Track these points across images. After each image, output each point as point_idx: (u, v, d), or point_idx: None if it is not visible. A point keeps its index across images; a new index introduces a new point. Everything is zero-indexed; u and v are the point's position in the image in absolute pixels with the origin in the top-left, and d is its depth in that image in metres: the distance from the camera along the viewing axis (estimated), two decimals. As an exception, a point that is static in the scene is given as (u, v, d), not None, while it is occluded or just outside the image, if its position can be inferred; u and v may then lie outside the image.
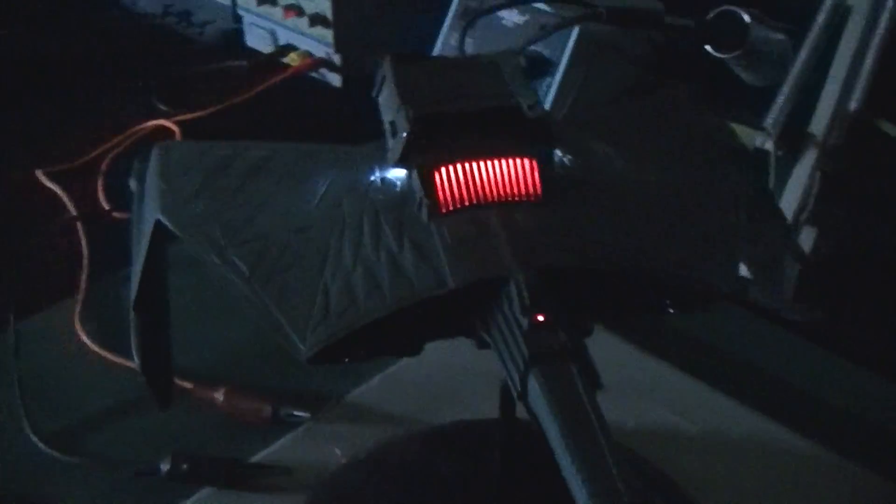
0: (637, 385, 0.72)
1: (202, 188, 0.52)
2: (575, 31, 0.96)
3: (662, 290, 0.47)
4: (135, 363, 0.52)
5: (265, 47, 1.15)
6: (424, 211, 0.46)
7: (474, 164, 0.47)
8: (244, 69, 1.11)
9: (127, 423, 0.71)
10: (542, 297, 0.42)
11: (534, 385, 0.39)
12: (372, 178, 0.50)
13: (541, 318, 0.41)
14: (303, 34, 1.10)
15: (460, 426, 0.66)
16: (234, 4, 1.18)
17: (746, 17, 0.90)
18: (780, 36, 0.90)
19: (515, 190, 0.47)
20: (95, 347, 0.75)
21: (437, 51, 1.04)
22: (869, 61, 0.73)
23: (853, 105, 0.73)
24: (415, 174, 0.47)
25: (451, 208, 0.46)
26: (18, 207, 0.93)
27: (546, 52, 0.97)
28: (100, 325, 0.77)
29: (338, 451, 0.66)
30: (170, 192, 0.51)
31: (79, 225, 0.86)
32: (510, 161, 0.47)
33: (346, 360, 0.45)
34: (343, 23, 1.07)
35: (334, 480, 0.64)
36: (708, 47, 0.91)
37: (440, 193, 0.46)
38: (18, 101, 1.11)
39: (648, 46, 1.03)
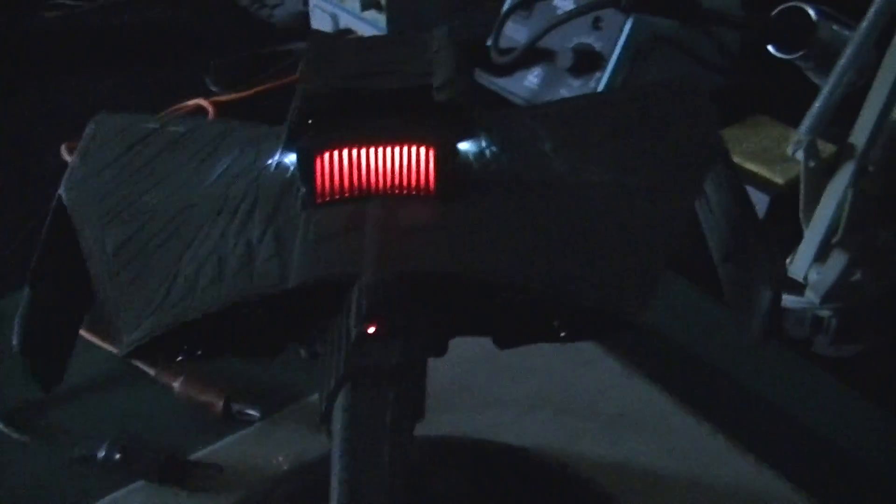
0: (631, 416, 0.65)
1: (112, 163, 0.49)
2: (628, 24, 0.89)
3: (552, 311, 0.40)
4: (13, 342, 0.49)
5: (327, 30, 1.12)
6: (299, 200, 0.41)
7: (362, 150, 0.41)
8: (298, 52, 1.07)
9: (83, 402, 0.68)
10: (385, 302, 0.36)
11: (337, 405, 0.34)
12: (269, 160, 0.45)
13: (372, 329, 0.35)
14: (360, 18, 1.06)
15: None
16: (302, -15, 1.15)
17: (813, 14, 0.81)
18: (851, 34, 0.81)
19: (405, 181, 0.41)
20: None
21: (492, 39, 0.98)
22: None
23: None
24: (296, 158, 0.42)
25: (328, 199, 0.41)
26: (42, 181, 0.92)
27: (597, 46, 0.91)
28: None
29: (280, 458, 0.62)
30: (80, 166, 0.48)
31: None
32: (404, 148, 0.41)
33: (180, 357, 0.40)
34: (396, 7, 1.02)
35: (266, 487, 0.59)
36: (771, 47, 0.83)
37: (318, 181, 0.41)
38: (86, 71, 1.12)
39: (720, 47, 0.95)
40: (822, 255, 0.67)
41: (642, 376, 0.68)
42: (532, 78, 0.94)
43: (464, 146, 0.43)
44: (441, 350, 0.39)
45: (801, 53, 0.81)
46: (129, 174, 0.48)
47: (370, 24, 1.05)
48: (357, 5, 1.04)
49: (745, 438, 0.63)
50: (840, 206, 0.65)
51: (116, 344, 0.39)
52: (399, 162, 0.41)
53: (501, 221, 0.41)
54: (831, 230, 0.66)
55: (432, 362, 0.38)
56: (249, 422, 0.65)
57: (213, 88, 1.04)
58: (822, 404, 0.67)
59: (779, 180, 0.84)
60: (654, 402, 0.66)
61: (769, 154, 0.89)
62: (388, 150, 0.41)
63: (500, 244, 0.40)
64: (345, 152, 0.41)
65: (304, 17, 1.17)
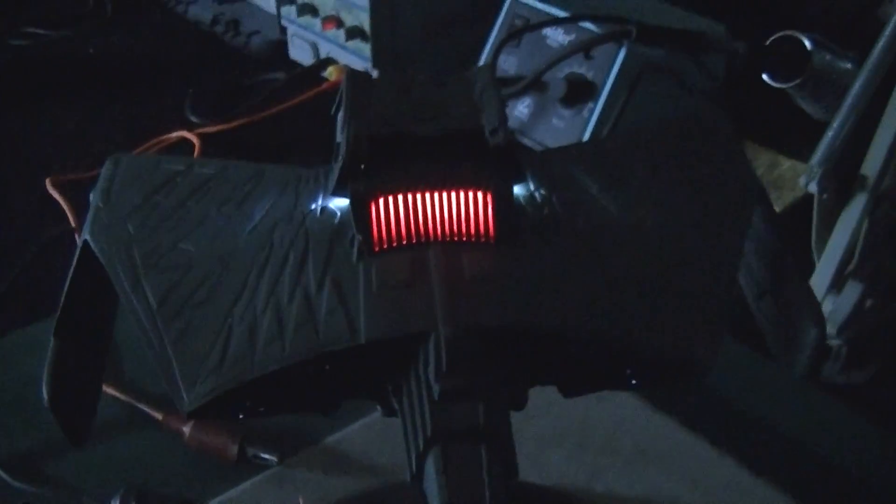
0: (647, 451, 0.65)
1: (139, 207, 0.47)
2: (621, 54, 0.89)
3: (625, 360, 0.40)
4: (44, 393, 0.47)
5: (307, 60, 1.11)
6: (355, 247, 0.40)
7: (418, 196, 0.40)
8: (280, 82, 1.06)
9: (91, 450, 0.66)
10: (464, 359, 0.35)
11: (430, 467, 0.33)
12: (313, 205, 0.44)
13: (455, 385, 0.34)
14: (342, 47, 1.05)
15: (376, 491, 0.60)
16: (279, 15, 1.14)
17: (808, 43, 0.82)
18: (846, 64, 0.82)
19: (464, 228, 0.40)
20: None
21: (479, 69, 0.98)
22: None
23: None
24: (349, 204, 0.41)
25: (385, 246, 0.40)
26: (23, 215, 0.90)
27: (589, 75, 0.91)
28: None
29: (301, 501, 0.60)
30: (104, 210, 0.46)
31: (77, 237, 0.82)
32: (461, 193, 0.40)
33: (241, 415, 0.39)
34: (381, 37, 1.02)
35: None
36: (765, 76, 0.84)
37: (375, 228, 0.40)
38: (62, 101, 1.09)
39: (706, 74, 0.96)
40: (835, 285, 0.67)
41: (659, 411, 0.67)
42: (522, 108, 0.94)
43: (516, 190, 0.43)
44: (522, 402, 0.38)
45: (796, 82, 0.82)
46: (159, 219, 0.46)
47: (354, 54, 1.04)
48: (341, 35, 1.03)
49: (765, 470, 0.63)
50: (854, 237, 0.65)
51: (177, 401, 0.37)
52: (456, 208, 0.40)
53: (563, 268, 0.41)
54: (845, 260, 0.66)
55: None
56: (265, 466, 0.63)
57: (193, 118, 1.02)
58: (836, 432, 0.68)
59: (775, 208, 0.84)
60: (672, 436, 0.66)
61: (762, 181, 0.89)
62: (445, 195, 0.40)
63: (567, 293, 0.39)
64: (400, 198, 0.40)
65: (282, 45, 1.16)
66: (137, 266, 0.43)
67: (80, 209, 0.85)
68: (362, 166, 0.41)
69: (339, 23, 1.03)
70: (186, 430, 0.65)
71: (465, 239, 0.40)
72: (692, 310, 0.40)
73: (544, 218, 0.43)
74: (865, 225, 0.65)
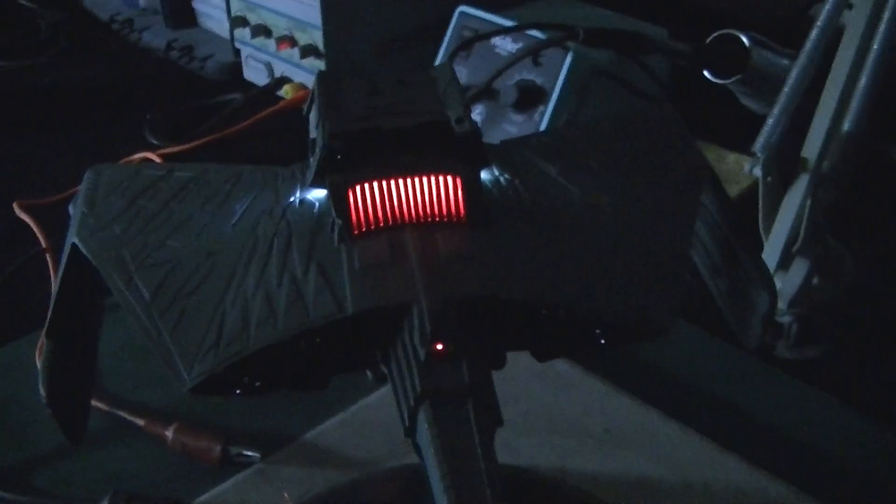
0: (618, 431, 0.68)
1: (124, 211, 0.49)
2: (568, 59, 0.93)
3: (594, 322, 0.43)
4: (41, 394, 0.49)
5: (262, 80, 1.14)
6: (336, 233, 0.43)
7: (392, 182, 0.43)
8: (237, 103, 1.08)
9: (77, 460, 0.67)
10: (446, 325, 0.38)
11: (422, 421, 0.36)
12: (291, 199, 0.47)
13: (440, 347, 0.37)
14: (297, 66, 1.08)
15: (407, 471, 0.62)
16: (232, 38, 1.16)
17: (746, 41, 0.86)
18: (784, 61, 0.86)
19: (437, 210, 0.43)
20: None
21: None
22: (864, 84, 0.68)
23: (847, 129, 0.68)
24: (328, 193, 0.43)
25: (364, 229, 0.43)
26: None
27: (539, 81, 0.94)
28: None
29: (286, 495, 0.62)
30: (90, 216, 0.49)
31: (49, 258, 0.84)
32: (432, 178, 0.43)
33: (238, 392, 0.41)
34: (335, 54, 1.04)
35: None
36: (707, 73, 0.88)
37: (353, 213, 0.43)
38: (21, 131, 1.11)
39: (650, 75, 0.99)
40: (783, 264, 0.70)
41: (623, 393, 0.70)
42: (475, 115, 0.97)
43: (482, 175, 0.46)
44: (500, 363, 0.41)
45: (737, 78, 0.86)
46: (144, 221, 0.48)
47: (309, 71, 1.07)
48: (296, 54, 1.06)
49: (727, 441, 0.66)
50: (799, 217, 0.69)
51: (177, 379, 0.40)
52: (428, 192, 0.43)
53: (531, 243, 0.44)
54: (791, 239, 0.70)
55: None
56: (249, 464, 0.65)
57: (153, 141, 1.04)
58: (790, 403, 0.71)
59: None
60: (637, 415, 0.69)
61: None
62: (417, 181, 0.43)
63: (536, 265, 0.42)
64: (375, 185, 0.43)
65: (236, 67, 1.18)
66: (128, 264, 0.45)
67: (51, 231, 0.87)
68: (339, 158, 0.44)
69: (293, 42, 1.06)
70: (169, 434, 0.67)
71: (438, 220, 0.43)
72: (649, 279, 0.43)
73: (510, 199, 0.46)
74: (808, 205, 0.69)
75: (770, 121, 0.70)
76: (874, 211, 0.89)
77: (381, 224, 0.43)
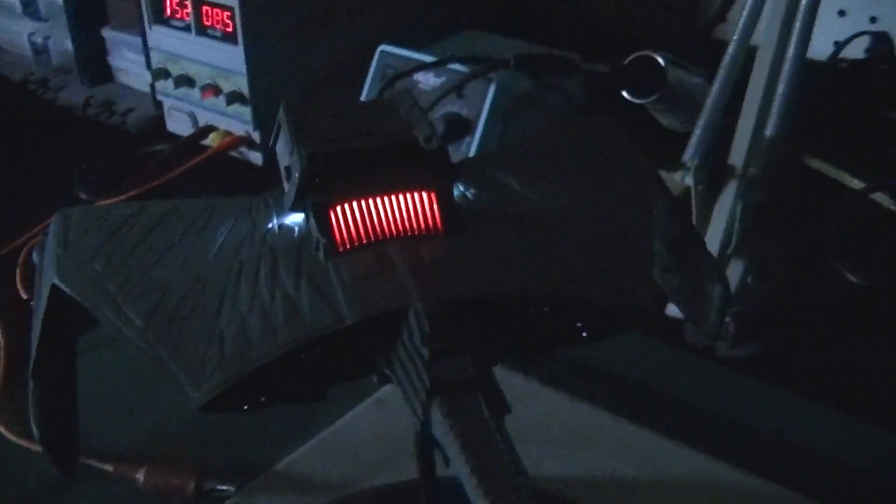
0: (577, 436, 0.71)
1: (101, 248, 0.50)
2: (492, 89, 0.96)
3: (576, 317, 0.45)
4: (34, 431, 0.50)
5: (185, 130, 1.14)
6: (322, 252, 0.45)
7: (370, 201, 0.45)
8: (165, 153, 1.09)
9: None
10: (443, 325, 0.40)
11: (436, 413, 0.38)
12: (270, 225, 0.48)
13: (441, 346, 0.39)
14: (222, 114, 1.09)
15: (382, 491, 0.64)
16: (153, 90, 1.17)
17: (662, 61, 0.90)
18: (696, 79, 0.91)
19: (415, 224, 0.45)
20: (12, 437, 0.72)
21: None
22: (781, 91, 0.73)
23: (770, 134, 0.73)
24: (310, 215, 0.45)
25: (348, 246, 0.45)
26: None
27: (463, 112, 0.97)
28: (15, 413, 0.74)
29: (266, 523, 0.63)
30: (67, 255, 0.49)
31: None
32: (408, 195, 0.46)
33: (245, 407, 0.43)
34: (260, 100, 1.06)
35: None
36: (625, 93, 0.92)
37: (336, 233, 0.45)
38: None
39: (567, 100, 1.03)
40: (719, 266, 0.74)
41: (580, 400, 0.73)
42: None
43: None
44: (495, 361, 0.43)
45: (654, 97, 0.90)
46: (124, 255, 0.49)
47: (235, 118, 1.08)
48: (221, 102, 1.07)
49: (686, 437, 0.69)
50: (730, 220, 0.73)
51: (189, 399, 0.41)
52: (406, 207, 0.46)
53: (508, 246, 0.46)
54: (725, 242, 0.74)
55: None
56: (225, 497, 0.66)
57: (83, 196, 1.04)
58: (733, 395, 0.76)
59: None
60: (598, 420, 0.72)
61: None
62: (394, 198, 0.45)
63: (517, 265, 0.45)
64: (355, 204, 0.45)
65: (158, 119, 1.19)
66: (115, 297, 0.46)
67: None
68: (316, 180, 0.46)
69: (217, 90, 1.08)
70: (140, 476, 0.67)
71: (417, 233, 0.45)
72: (623, 270, 0.46)
73: (479, 210, 0.49)
74: (739, 209, 0.73)
75: (697, 132, 0.74)
76: (794, 212, 0.94)
77: (364, 240, 0.45)
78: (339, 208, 0.45)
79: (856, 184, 0.96)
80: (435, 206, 0.46)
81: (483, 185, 0.51)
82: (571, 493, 0.65)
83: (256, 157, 1.10)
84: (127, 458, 0.68)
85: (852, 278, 0.84)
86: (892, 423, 0.72)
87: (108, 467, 0.69)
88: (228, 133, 1.09)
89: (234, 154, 1.10)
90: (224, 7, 1.03)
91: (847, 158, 0.99)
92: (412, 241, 0.45)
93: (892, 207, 0.93)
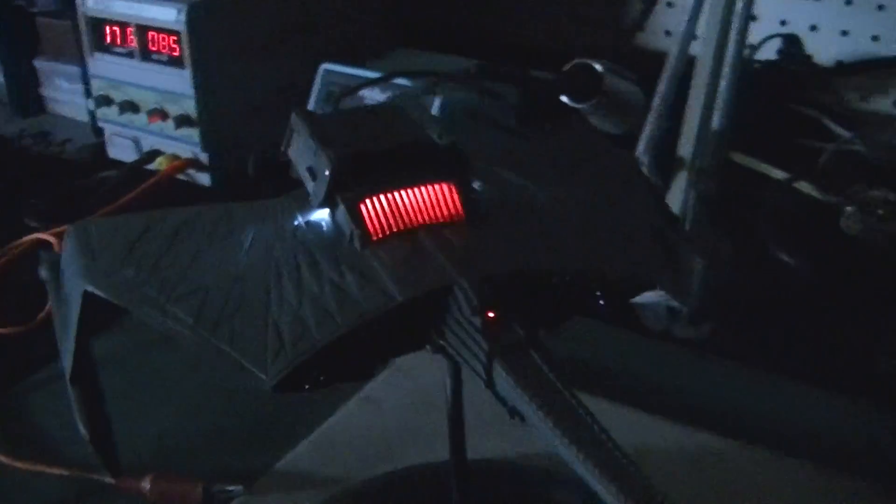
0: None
1: (129, 256, 0.52)
2: (437, 102, 1.01)
3: (597, 283, 0.50)
4: (83, 433, 0.52)
5: (129, 156, 1.16)
6: (357, 241, 0.48)
7: (397, 194, 0.49)
8: (114, 179, 1.10)
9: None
10: (489, 297, 0.44)
11: (499, 372, 0.42)
12: (296, 223, 0.52)
13: (492, 315, 0.43)
14: (168, 137, 1.11)
15: (399, 475, 0.67)
16: (94, 118, 1.18)
17: (599, 68, 0.96)
18: (631, 86, 0.97)
19: (439, 213, 0.49)
20: (5, 459, 0.73)
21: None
22: (724, 87, 0.79)
23: (716, 127, 0.79)
24: (341, 210, 0.49)
25: (380, 235, 0.48)
26: None
27: (413, 124, 1.01)
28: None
29: (279, 517, 0.66)
30: (94, 264, 0.51)
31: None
32: (431, 187, 0.50)
33: (307, 387, 0.46)
34: (209, 122, 1.09)
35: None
36: (564, 98, 0.97)
37: (369, 224, 0.48)
38: None
39: (507, 109, 1.09)
40: (675, 252, 0.80)
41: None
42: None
43: None
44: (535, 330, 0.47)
45: (592, 102, 0.96)
46: (154, 261, 0.52)
47: (183, 141, 1.10)
48: (169, 125, 1.09)
49: (657, 410, 0.75)
50: (682, 209, 0.79)
51: (257, 381, 0.44)
52: (429, 199, 0.50)
53: (524, 230, 0.51)
54: (679, 229, 0.79)
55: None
56: (232, 498, 0.68)
57: (33, 225, 1.05)
58: (689, 372, 0.82)
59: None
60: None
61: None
62: (418, 190, 0.50)
63: (537, 245, 0.50)
64: (383, 197, 0.49)
65: (98, 147, 1.20)
66: (156, 300, 0.49)
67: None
68: (346, 179, 0.49)
69: (164, 115, 1.09)
70: (146, 485, 0.69)
71: (441, 221, 0.49)
72: (631, 244, 0.51)
73: (490, 200, 0.53)
74: (691, 198, 0.78)
75: (647, 128, 0.80)
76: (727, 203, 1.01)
77: (394, 229, 0.49)
78: (368, 202, 0.49)
79: (777, 174, 1.03)
80: (455, 196, 0.50)
81: (488, 179, 0.55)
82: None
83: (204, 179, 1.12)
84: (128, 471, 0.70)
85: (787, 260, 0.91)
86: (829, 383, 0.79)
87: (111, 481, 0.70)
88: (176, 157, 1.11)
89: (181, 177, 1.12)
90: (170, 32, 1.05)
91: (765, 152, 1.06)
92: (438, 228, 0.49)
93: (814, 194, 1.00)
